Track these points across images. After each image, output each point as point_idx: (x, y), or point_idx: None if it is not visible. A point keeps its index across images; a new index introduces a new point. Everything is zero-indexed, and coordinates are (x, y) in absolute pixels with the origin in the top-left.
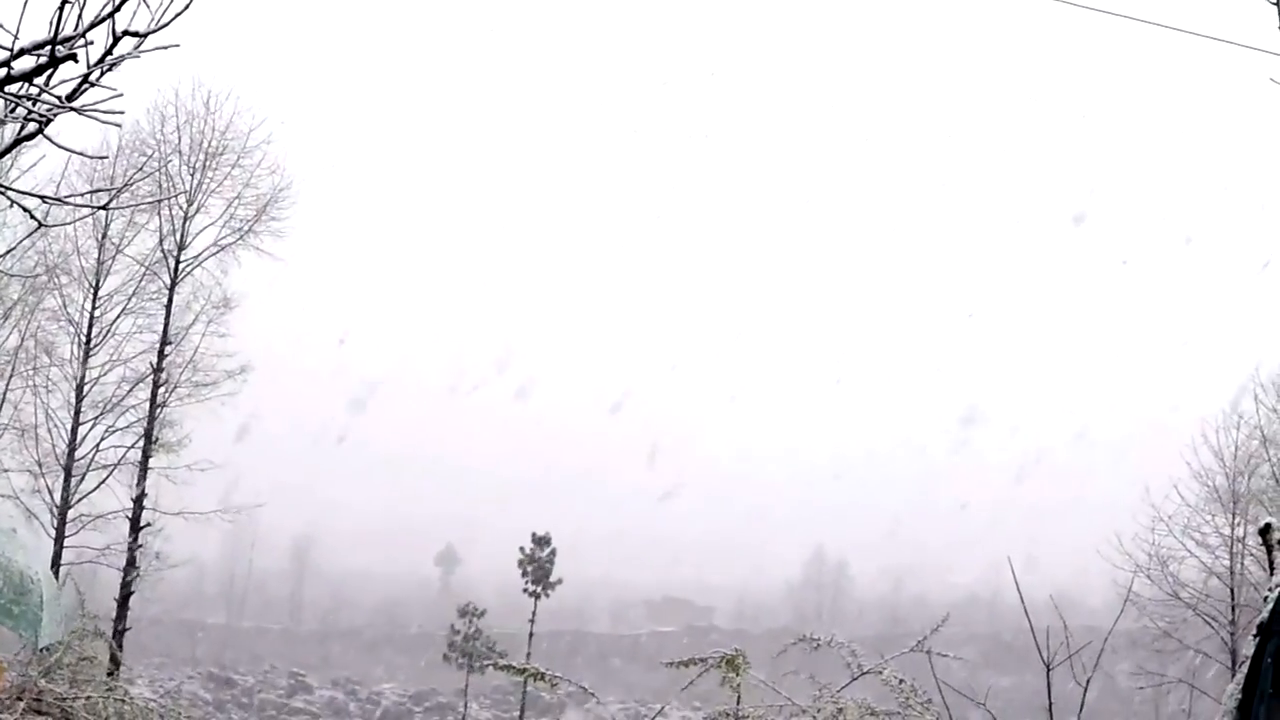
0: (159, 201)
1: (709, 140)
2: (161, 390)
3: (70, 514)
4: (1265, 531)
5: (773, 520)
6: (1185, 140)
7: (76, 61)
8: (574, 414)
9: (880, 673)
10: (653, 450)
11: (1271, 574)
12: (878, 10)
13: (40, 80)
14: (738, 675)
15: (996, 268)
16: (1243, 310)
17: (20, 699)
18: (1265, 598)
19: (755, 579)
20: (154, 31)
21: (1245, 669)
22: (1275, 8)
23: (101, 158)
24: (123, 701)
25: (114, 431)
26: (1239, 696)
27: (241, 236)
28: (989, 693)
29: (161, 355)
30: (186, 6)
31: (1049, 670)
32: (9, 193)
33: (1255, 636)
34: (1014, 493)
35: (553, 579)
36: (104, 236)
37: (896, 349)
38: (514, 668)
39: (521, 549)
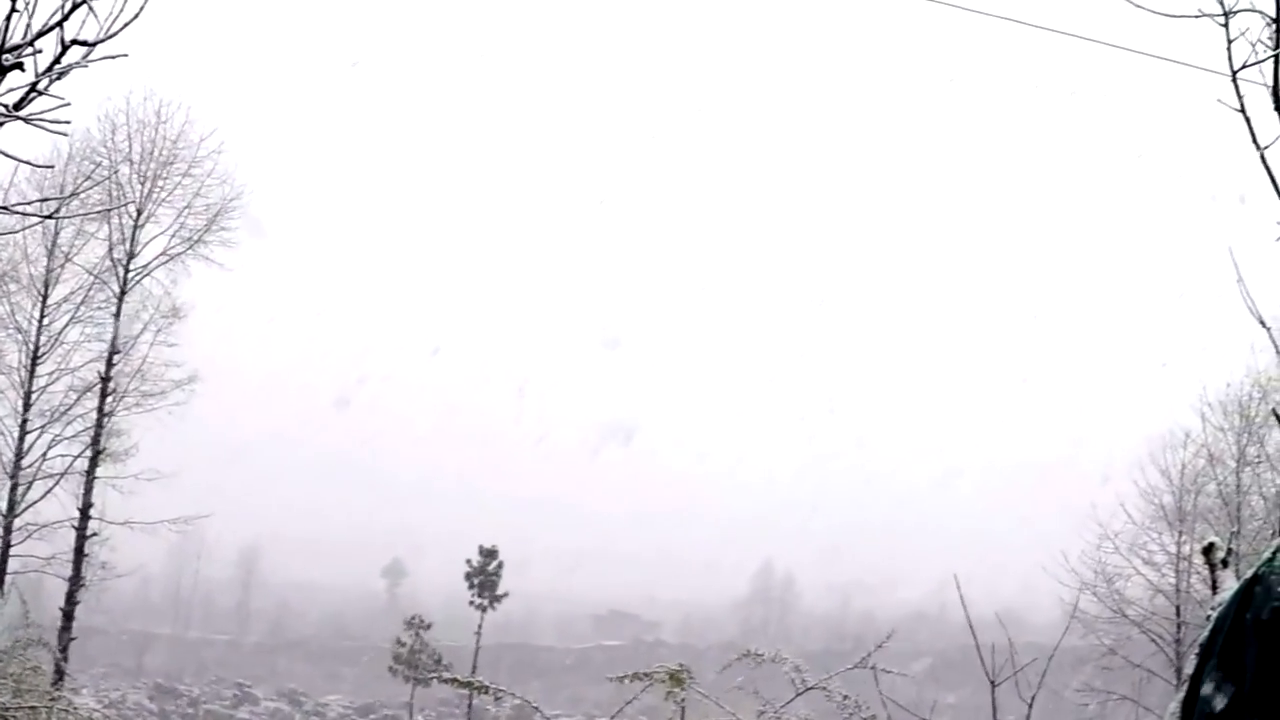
0: (109, 210)
1: (631, 142)
2: (109, 399)
3: (16, 523)
4: (1209, 550)
5: (720, 535)
6: (1131, 158)
7: (24, 70)
8: (522, 428)
9: (825, 688)
10: (600, 464)
11: (1214, 593)
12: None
13: None
14: (681, 690)
15: (956, 291)
16: (1190, 330)
17: None
18: (1208, 616)
19: (703, 594)
20: (103, 41)
21: (1186, 689)
22: (1223, 28)
23: (48, 166)
24: (67, 711)
25: (61, 440)
26: (1179, 715)
27: (191, 246)
28: (934, 708)
29: (110, 364)
30: (136, 16)
31: (994, 687)
32: None
33: (1197, 655)
34: (962, 509)
35: (499, 592)
36: (53, 244)
37: (848, 366)
38: (459, 681)
39: (468, 562)
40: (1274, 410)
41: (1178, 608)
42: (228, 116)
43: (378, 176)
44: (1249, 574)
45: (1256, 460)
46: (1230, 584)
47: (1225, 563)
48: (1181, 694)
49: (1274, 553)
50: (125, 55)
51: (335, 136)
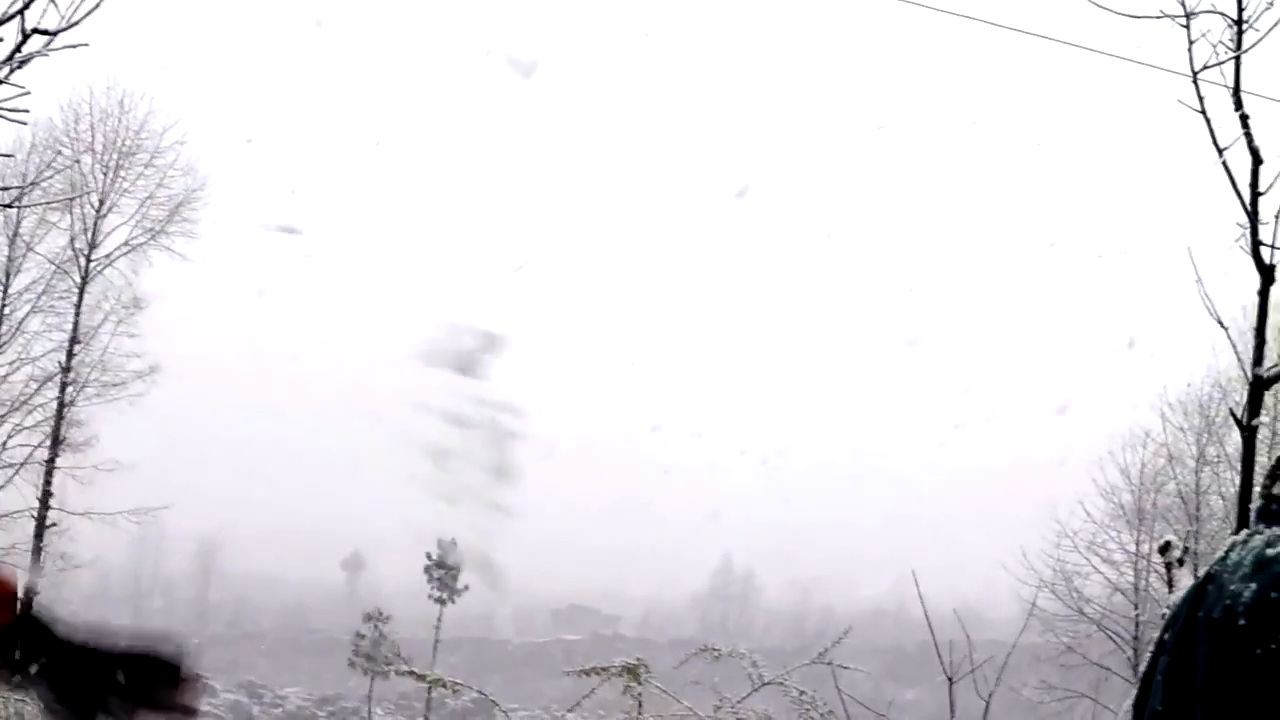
0: (71, 200)
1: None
2: (70, 389)
3: None
4: (1165, 549)
5: (681, 530)
6: (1091, 156)
7: None
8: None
9: (782, 684)
10: (558, 457)
11: (1170, 591)
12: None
13: None
14: (638, 684)
15: (918, 291)
16: (1152, 331)
17: None
18: (1164, 615)
19: (663, 589)
20: (64, 29)
21: (1138, 687)
22: (1184, 29)
23: (9, 155)
24: (23, 701)
25: (21, 430)
26: (1131, 713)
27: (153, 237)
28: (892, 704)
29: (70, 354)
30: (97, 5)
31: (951, 683)
32: None
33: (1150, 654)
34: (921, 506)
35: (459, 586)
36: (15, 234)
37: (810, 362)
38: (417, 674)
39: (428, 555)
40: (1230, 410)
41: (1136, 606)
42: (195, 99)
43: (343, 164)
44: (1203, 572)
45: (1216, 460)
46: (1186, 582)
47: (1181, 561)
48: (1135, 692)
49: (1227, 550)
50: (86, 45)
51: (298, 109)
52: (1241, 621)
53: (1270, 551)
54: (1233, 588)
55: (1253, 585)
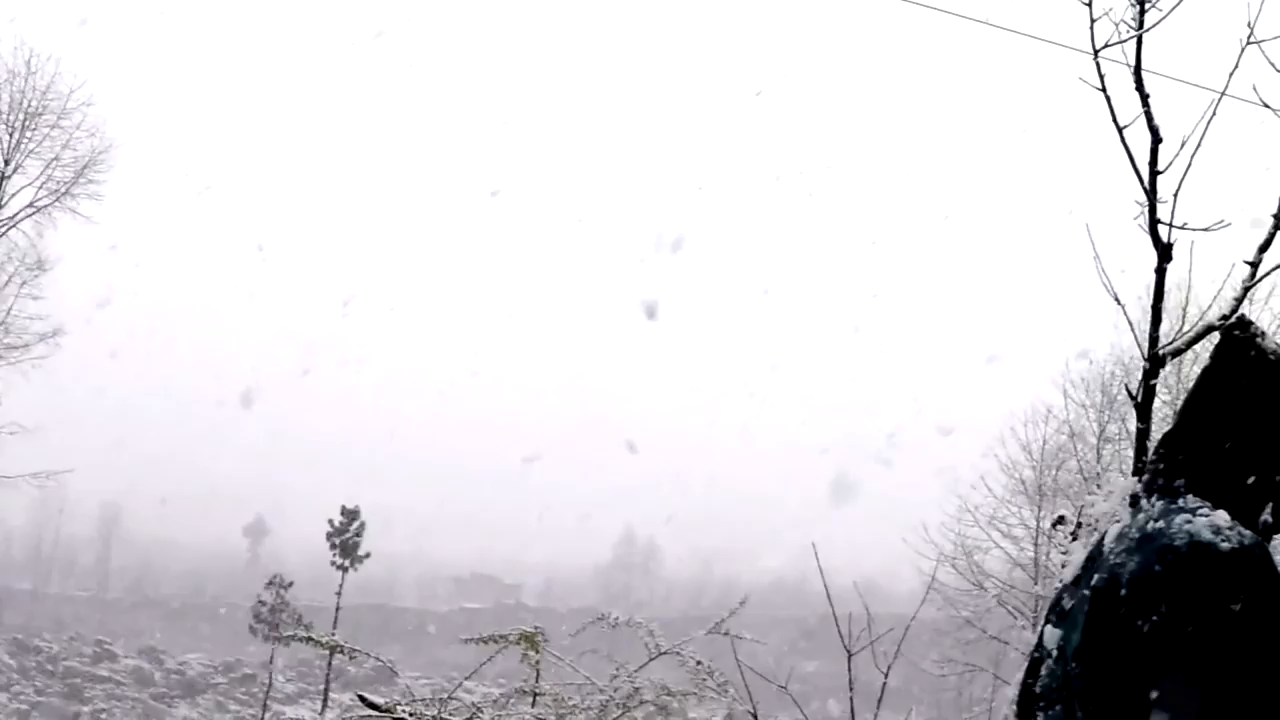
0: None
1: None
2: None
3: None
4: (1059, 523)
5: (585, 500)
6: (993, 135)
7: None
8: (389, 386)
9: (679, 653)
10: (463, 426)
11: (1064, 566)
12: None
13: None
14: (536, 653)
15: (820, 266)
16: (1056, 307)
17: None
18: (1057, 589)
19: (565, 558)
20: None
21: (1030, 657)
22: (1086, 6)
23: None
24: None
25: None
26: (1022, 681)
27: (58, 199)
28: (791, 675)
29: None
30: None
31: (850, 656)
32: None
33: (1041, 624)
34: (824, 479)
35: (361, 553)
36: None
37: (713, 336)
38: (315, 640)
39: (330, 521)
40: (1126, 387)
41: (1036, 581)
42: (109, 64)
43: (247, 126)
44: (1093, 544)
45: (1118, 437)
46: (1079, 557)
47: (1075, 535)
48: (1026, 664)
49: (1115, 524)
50: None
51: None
52: (1124, 591)
53: (1153, 526)
54: (1116, 560)
55: (1138, 557)
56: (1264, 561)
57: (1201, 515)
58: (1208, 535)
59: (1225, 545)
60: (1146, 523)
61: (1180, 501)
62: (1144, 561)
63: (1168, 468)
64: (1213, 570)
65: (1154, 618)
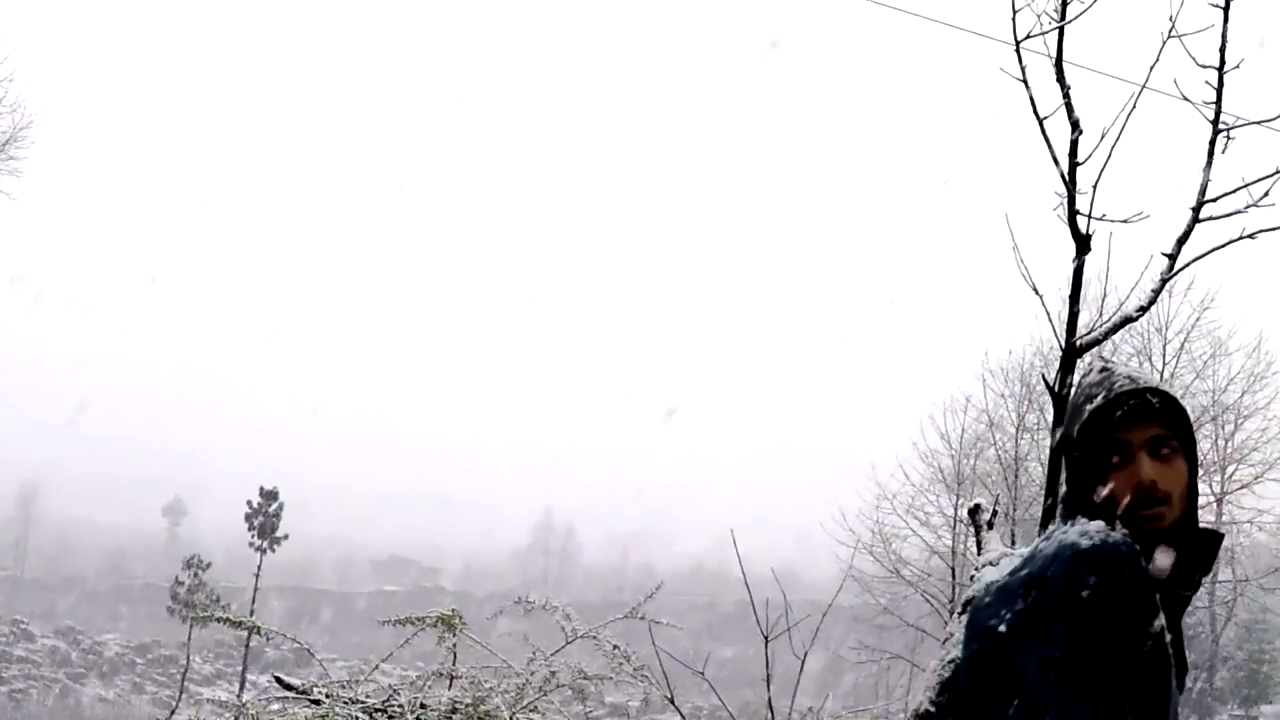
0: None
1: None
2: None
3: None
4: (974, 512)
5: (503, 484)
6: (916, 122)
7: None
8: (309, 368)
9: (595, 637)
10: (385, 409)
11: (980, 553)
12: None
13: None
14: (453, 635)
15: (741, 263)
16: (976, 298)
17: None
18: (972, 577)
19: (484, 542)
20: None
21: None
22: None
23: None
24: None
25: None
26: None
27: None
28: (708, 661)
29: None
30: None
31: (767, 642)
32: None
33: (960, 614)
34: (742, 465)
35: (279, 534)
36: None
37: (636, 324)
38: (234, 621)
39: (249, 503)
40: (1043, 377)
41: (953, 569)
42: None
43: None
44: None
45: (1036, 427)
46: (995, 546)
47: (990, 524)
48: (943, 653)
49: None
50: None
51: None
52: (987, 599)
53: (1039, 543)
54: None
55: (1016, 562)
56: (1120, 555)
57: (1078, 525)
58: (1074, 538)
59: (1086, 543)
60: (1038, 543)
61: (1070, 521)
62: (1019, 565)
63: (1065, 507)
64: (1075, 563)
65: (1019, 606)
